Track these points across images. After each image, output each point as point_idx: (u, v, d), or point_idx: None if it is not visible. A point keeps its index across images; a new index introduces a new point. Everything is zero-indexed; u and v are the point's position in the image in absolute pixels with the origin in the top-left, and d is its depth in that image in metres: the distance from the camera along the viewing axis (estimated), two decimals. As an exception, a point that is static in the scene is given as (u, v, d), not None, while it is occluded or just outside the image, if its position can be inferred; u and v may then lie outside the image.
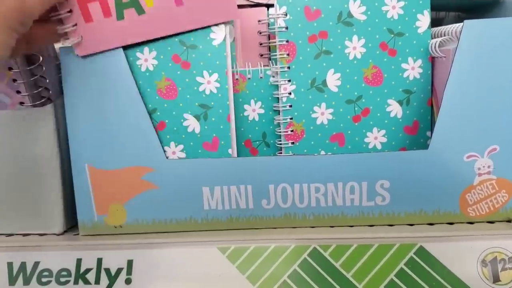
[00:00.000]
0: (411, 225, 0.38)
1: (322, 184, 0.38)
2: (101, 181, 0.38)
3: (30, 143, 0.39)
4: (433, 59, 0.39)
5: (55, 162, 0.39)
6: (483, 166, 0.36)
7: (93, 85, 0.38)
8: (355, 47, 0.39)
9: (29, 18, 0.32)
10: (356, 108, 0.40)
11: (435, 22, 0.42)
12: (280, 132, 0.40)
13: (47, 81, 0.39)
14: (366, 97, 0.40)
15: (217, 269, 0.36)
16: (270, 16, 0.39)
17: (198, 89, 0.38)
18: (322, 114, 0.40)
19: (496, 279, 0.35)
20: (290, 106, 0.40)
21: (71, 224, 0.41)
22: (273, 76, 0.40)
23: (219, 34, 0.38)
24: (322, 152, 0.40)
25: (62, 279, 0.37)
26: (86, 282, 0.37)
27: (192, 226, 0.39)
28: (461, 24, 0.35)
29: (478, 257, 0.35)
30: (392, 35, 0.39)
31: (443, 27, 0.39)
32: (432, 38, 0.39)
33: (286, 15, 0.39)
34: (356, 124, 0.40)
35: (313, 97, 0.40)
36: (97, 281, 0.37)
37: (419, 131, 0.40)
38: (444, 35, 0.38)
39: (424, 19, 0.39)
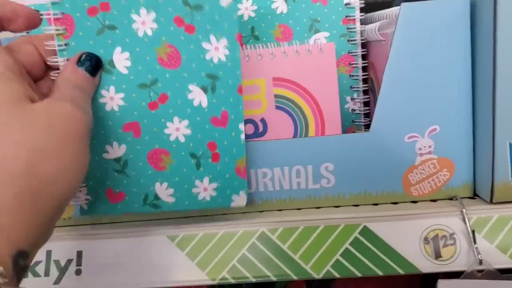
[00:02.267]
0: (357, 205, 0.39)
1: (269, 169, 0.38)
2: (49, 173, 0.38)
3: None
4: (368, 43, 0.40)
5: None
6: (424, 146, 0.37)
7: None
8: (144, 22, 0.34)
9: None
10: (151, 94, 0.35)
11: (383, 6, 0.42)
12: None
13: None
14: (163, 81, 0.34)
15: (166, 257, 0.37)
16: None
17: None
18: (112, 99, 0.34)
19: (438, 255, 0.36)
20: (74, 89, 0.35)
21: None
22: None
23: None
24: (115, 143, 0.35)
25: (11, 273, 0.37)
26: (36, 274, 0.37)
27: (140, 215, 0.39)
28: (399, 7, 0.36)
29: (420, 235, 0.36)
30: (188, 8, 0.34)
31: (384, 10, 0.39)
32: (374, 22, 0.40)
33: None
34: (153, 111, 0.35)
35: (100, 79, 0.34)
36: (47, 274, 0.37)
37: (229, 123, 0.35)
38: (385, 19, 0.39)
39: None
